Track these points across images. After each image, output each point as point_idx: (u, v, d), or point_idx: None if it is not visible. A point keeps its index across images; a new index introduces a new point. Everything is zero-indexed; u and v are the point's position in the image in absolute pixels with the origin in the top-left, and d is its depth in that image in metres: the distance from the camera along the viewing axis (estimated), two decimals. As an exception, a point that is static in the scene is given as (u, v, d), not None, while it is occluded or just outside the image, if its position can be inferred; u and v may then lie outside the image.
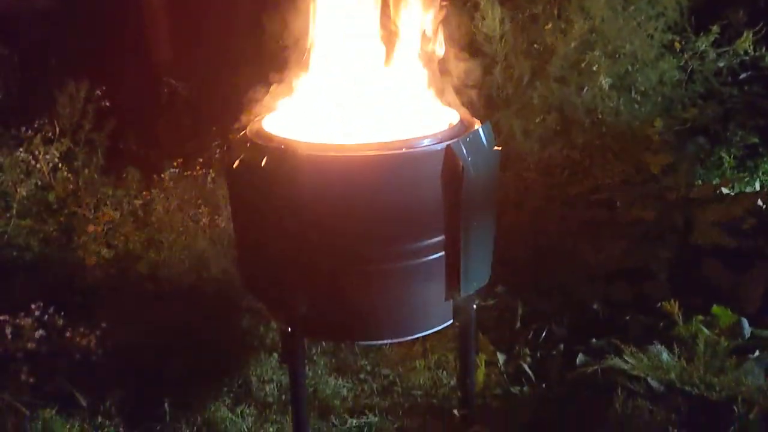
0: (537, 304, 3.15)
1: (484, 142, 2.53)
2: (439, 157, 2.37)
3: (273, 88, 2.73)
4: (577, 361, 2.62)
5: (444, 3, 2.67)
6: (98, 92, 4.10)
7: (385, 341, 2.55)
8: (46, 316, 2.51)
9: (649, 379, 2.14)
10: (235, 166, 2.48)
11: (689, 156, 3.72)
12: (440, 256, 2.49)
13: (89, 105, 4.14)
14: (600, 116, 3.79)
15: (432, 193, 2.41)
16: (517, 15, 3.82)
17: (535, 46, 3.81)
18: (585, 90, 3.86)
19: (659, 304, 2.64)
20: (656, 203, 3.39)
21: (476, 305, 2.72)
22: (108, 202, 3.81)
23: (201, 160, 3.81)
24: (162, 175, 3.78)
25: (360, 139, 2.45)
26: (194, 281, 3.51)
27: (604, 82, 3.82)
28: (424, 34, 2.70)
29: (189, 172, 3.77)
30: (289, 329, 2.53)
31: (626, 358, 2.28)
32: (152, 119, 4.72)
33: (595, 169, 3.74)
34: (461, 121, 2.58)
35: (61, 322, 2.53)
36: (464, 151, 2.40)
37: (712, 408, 2.00)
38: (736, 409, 2.07)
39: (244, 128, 2.56)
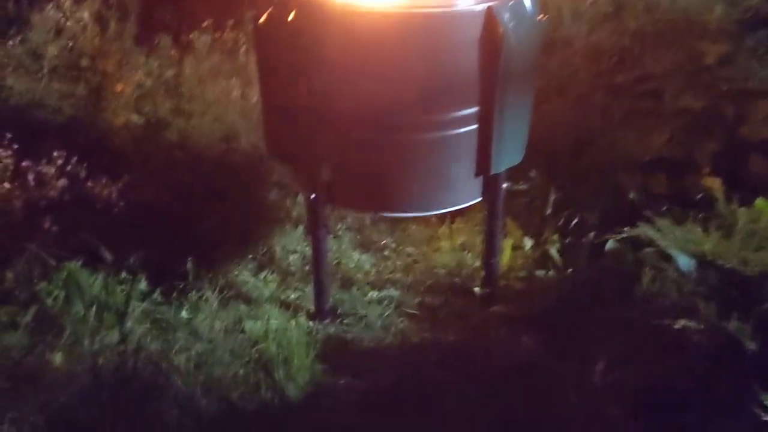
0: (570, 191, 3.04)
1: (528, 8, 2.37)
2: (479, 19, 2.23)
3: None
4: (606, 246, 2.53)
5: None
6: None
7: (411, 214, 2.49)
8: (69, 166, 2.48)
9: (679, 252, 2.04)
10: (261, 21, 2.37)
11: (748, 48, 3.47)
12: (473, 129, 2.39)
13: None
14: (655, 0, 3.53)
15: (468, 58, 2.28)
16: None
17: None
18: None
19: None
20: (706, 93, 3.20)
21: (506, 186, 2.64)
22: (139, 70, 3.73)
23: (232, 22, 3.66)
24: (191, 37, 3.65)
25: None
26: (223, 152, 3.47)
27: None
28: None
29: (219, 35, 3.64)
30: (313, 195, 2.48)
31: (658, 228, 2.17)
32: None
33: (646, 57, 3.51)
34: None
35: (84, 173, 2.50)
36: (506, 15, 2.25)
37: (746, 283, 1.91)
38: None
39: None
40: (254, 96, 3.72)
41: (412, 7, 2.18)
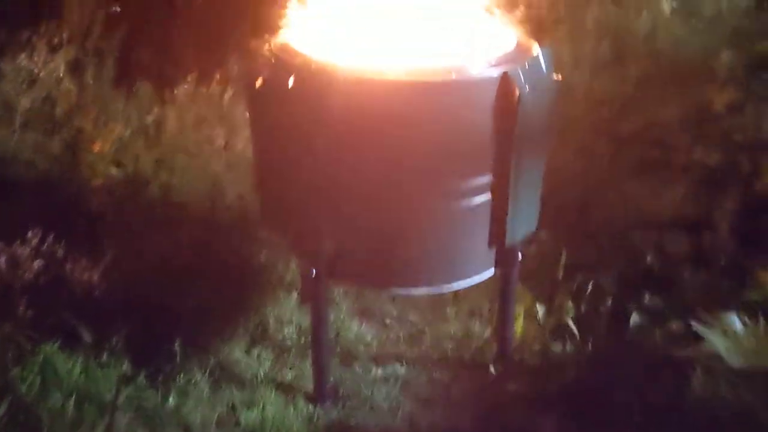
0: (582, 252, 2.87)
1: (544, 69, 2.21)
2: (493, 85, 2.06)
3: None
4: (631, 321, 2.36)
5: None
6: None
7: (420, 291, 2.28)
8: (45, 245, 2.26)
9: (725, 353, 1.88)
10: (258, 85, 2.17)
11: (757, 94, 3.35)
12: (485, 199, 2.21)
13: (99, 11, 3.80)
14: (659, 45, 3.40)
15: (482, 125, 2.11)
16: None
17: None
18: (644, 14, 3.46)
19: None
20: (719, 145, 3.06)
21: (521, 255, 2.46)
22: (117, 118, 3.52)
23: (218, 75, 3.45)
24: (175, 91, 3.45)
25: (403, 61, 2.12)
26: (209, 209, 3.26)
27: (666, 4, 3.43)
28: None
29: (205, 89, 3.43)
30: (313, 270, 2.28)
31: (695, 326, 2.01)
32: (167, 27, 4.31)
33: (651, 105, 3.38)
34: (518, 43, 2.25)
35: (61, 252, 2.28)
36: (522, 78, 2.08)
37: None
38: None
39: (269, 42, 2.24)
40: (239, 144, 3.53)
41: (426, 74, 2.00)
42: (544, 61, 2.20)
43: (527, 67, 2.10)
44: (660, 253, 2.75)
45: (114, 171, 3.39)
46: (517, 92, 2.06)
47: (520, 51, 2.21)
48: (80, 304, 2.45)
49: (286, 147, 2.18)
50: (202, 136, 3.55)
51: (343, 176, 2.10)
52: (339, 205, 2.15)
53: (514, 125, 2.09)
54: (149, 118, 3.61)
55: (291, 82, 2.04)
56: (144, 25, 4.07)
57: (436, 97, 2.02)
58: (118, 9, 3.80)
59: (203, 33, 3.97)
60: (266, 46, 2.19)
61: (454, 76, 2.00)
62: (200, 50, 3.81)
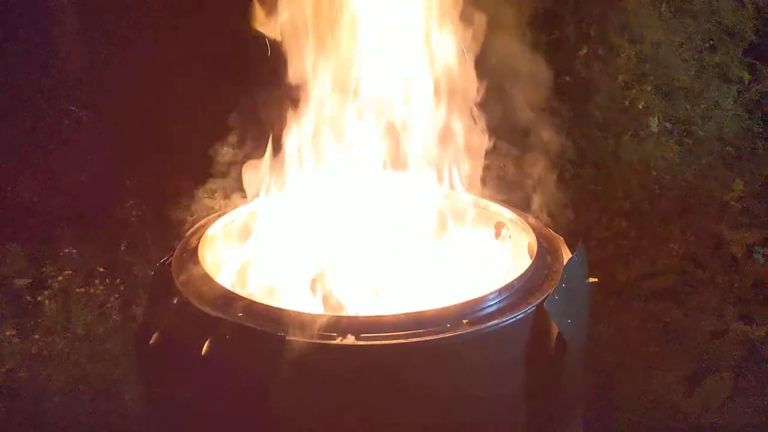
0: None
1: (580, 277, 1.53)
2: (522, 328, 1.34)
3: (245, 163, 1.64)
4: None
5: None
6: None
7: None
8: None
9: None
10: (152, 340, 1.38)
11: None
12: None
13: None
14: (653, 172, 2.82)
15: (509, 382, 1.38)
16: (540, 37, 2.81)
17: (567, 78, 2.82)
18: (629, 136, 2.90)
19: None
20: (746, 306, 2.47)
21: None
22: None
23: (102, 269, 2.46)
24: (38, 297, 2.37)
25: (386, 296, 1.40)
26: None
27: (655, 125, 2.87)
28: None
29: (82, 289, 2.34)
30: None
31: None
32: (44, 165, 3.13)
33: (651, 244, 2.78)
34: (537, 247, 1.54)
35: None
36: (561, 307, 1.38)
37: None
38: None
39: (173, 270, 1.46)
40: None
41: (424, 329, 1.26)
42: (579, 263, 1.51)
43: (564, 289, 1.40)
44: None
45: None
46: (556, 330, 1.36)
47: (542, 260, 1.51)
48: None
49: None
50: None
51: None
52: None
53: (557, 375, 1.38)
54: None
55: (205, 348, 1.26)
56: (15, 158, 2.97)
57: (437, 365, 1.27)
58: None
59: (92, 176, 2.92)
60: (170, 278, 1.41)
61: (461, 332, 1.26)
62: (85, 209, 2.76)
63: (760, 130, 2.98)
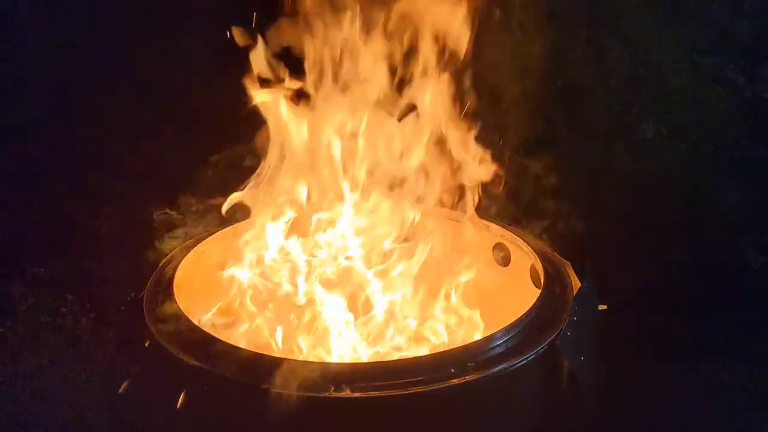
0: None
1: (592, 307, 1.41)
2: (533, 369, 1.22)
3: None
4: None
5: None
6: None
7: None
8: None
9: None
10: (121, 389, 1.24)
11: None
12: None
13: None
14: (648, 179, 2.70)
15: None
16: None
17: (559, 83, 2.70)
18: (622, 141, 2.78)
19: None
20: None
21: None
22: None
23: (71, 297, 2.24)
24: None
25: (380, 336, 1.27)
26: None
27: (649, 130, 2.76)
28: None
29: (46, 319, 2.14)
30: None
31: None
32: None
33: (646, 254, 2.67)
34: (546, 274, 1.42)
35: None
36: (573, 342, 1.26)
37: None
38: None
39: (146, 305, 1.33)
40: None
41: (424, 377, 1.13)
42: (590, 293, 1.40)
43: (576, 323, 1.28)
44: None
45: None
46: (567, 366, 1.24)
47: (552, 289, 1.39)
48: None
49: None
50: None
51: None
52: None
53: (569, 417, 1.27)
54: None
55: (180, 400, 1.13)
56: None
57: (442, 410, 1.15)
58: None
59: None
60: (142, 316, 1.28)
61: (466, 378, 1.14)
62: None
63: (757, 134, 2.88)
